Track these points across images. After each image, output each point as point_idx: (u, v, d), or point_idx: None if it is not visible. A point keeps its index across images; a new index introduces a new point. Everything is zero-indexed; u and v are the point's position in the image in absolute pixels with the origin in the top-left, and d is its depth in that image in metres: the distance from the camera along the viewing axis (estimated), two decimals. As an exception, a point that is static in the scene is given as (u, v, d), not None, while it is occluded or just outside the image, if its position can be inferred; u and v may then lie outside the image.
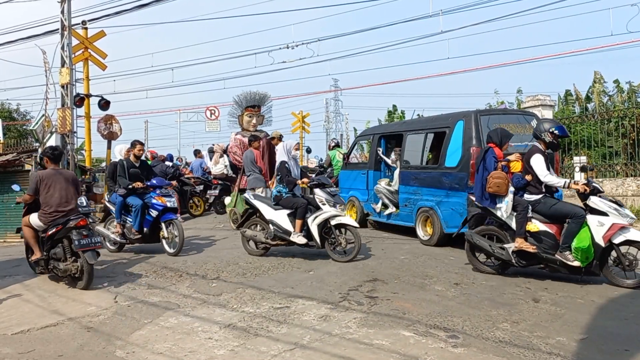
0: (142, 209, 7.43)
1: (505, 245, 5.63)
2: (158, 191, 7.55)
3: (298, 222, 6.65)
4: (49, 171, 6.06)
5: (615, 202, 5.37)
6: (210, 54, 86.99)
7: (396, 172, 8.61)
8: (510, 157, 5.98)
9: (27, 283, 6.34)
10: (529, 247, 5.46)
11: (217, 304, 5.02)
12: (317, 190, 6.70)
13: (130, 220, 7.59)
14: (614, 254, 5.30)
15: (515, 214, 5.54)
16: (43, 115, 13.44)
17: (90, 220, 8.26)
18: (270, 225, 6.88)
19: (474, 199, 5.91)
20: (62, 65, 13.91)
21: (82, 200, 8.37)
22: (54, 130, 13.63)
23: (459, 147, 6.95)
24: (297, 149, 7.25)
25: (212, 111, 27.60)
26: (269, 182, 9.53)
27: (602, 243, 5.19)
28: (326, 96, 48.18)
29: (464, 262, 6.17)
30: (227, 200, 10.31)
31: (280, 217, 6.82)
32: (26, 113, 32.57)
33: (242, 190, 9.77)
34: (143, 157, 8.53)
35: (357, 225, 6.76)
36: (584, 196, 5.40)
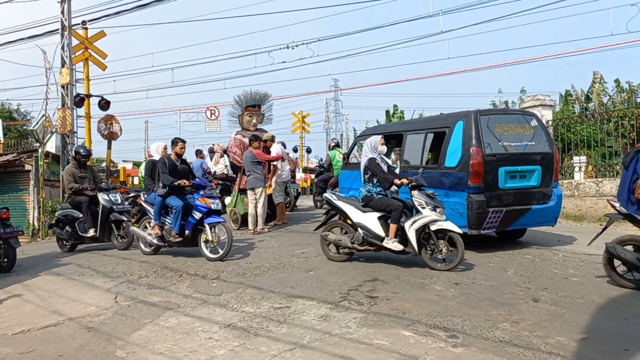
0: (183, 210, 7.01)
1: None
2: (202, 192, 7.09)
3: (393, 226, 6.02)
4: None
5: None
6: (210, 54, 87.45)
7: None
8: None
9: (27, 283, 6.36)
10: None
11: (217, 304, 5.02)
12: (415, 192, 6.09)
13: (170, 222, 7.14)
14: None
15: None
16: (43, 116, 13.42)
17: (125, 219, 8.20)
18: (359, 229, 6.27)
19: (614, 204, 5.22)
20: (63, 66, 13.95)
21: (117, 197, 8.34)
22: (54, 130, 13.65)
23: (458, 147, 6.94)
24: (382, 144, 6.47)
25: (212, 111, 27.61)
26: (268, 183, 9.55)
27: None
28: (326, 96, 48.44)
29: (464, 261, 6.17)
30: (228, 200, 10.31)
31: (370, 221, 6.19)
32: (26, 113, 32.66)
33: (242, 190, 9.78)
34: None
35: (460, 231, 5.98)
36: None
